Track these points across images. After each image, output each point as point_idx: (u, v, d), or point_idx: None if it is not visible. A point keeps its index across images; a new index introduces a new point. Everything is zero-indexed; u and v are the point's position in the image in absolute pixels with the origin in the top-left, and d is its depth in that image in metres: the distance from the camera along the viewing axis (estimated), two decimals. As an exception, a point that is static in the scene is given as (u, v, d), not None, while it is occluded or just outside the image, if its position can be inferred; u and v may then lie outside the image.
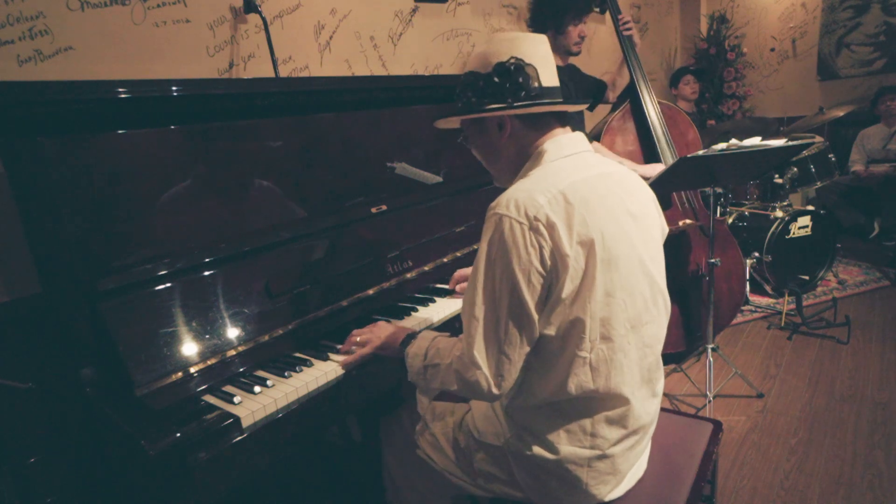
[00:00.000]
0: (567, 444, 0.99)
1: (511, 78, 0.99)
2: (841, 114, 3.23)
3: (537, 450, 1.00)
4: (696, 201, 2.56)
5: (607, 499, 1.05)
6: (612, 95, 2.60)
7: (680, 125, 2.58)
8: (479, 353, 0.93)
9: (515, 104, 1.00)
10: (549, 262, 0.89)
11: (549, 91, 1.02)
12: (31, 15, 1.31)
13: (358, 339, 1.22)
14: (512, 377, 0.95)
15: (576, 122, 2.40)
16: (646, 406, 1.04)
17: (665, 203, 2.47)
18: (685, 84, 3.86)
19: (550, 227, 0.88)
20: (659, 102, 2.48)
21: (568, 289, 0.90)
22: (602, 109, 2.65)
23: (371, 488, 1.41)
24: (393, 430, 1.34)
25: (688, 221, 2.47)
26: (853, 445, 1.94)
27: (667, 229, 1.11)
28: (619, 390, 0.97)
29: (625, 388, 0.98)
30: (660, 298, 1.03)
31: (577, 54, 2.35)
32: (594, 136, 2.49)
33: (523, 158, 1.03)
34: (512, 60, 0.99)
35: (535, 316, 0.91)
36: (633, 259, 0.96)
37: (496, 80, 1.00)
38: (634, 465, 1.09)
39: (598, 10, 2.44)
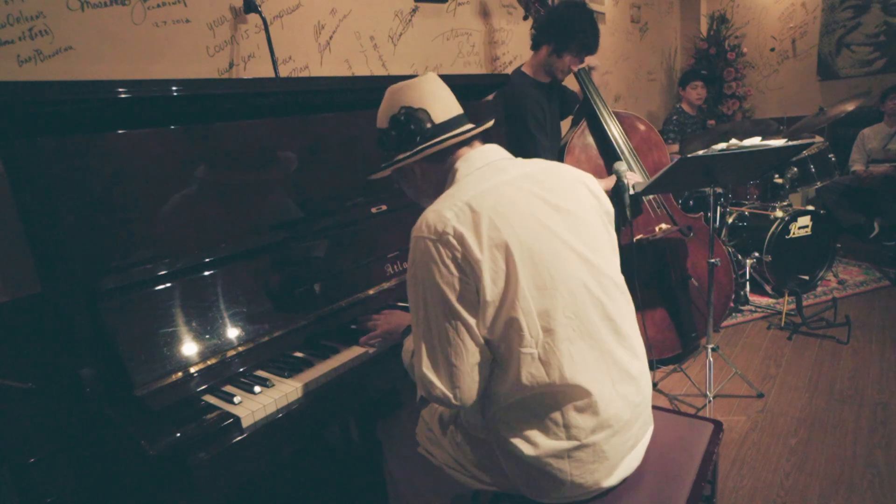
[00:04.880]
0: (544, 438, 1.00)
1: (404, 128, 1.07)
2: (851, 108, 3.20)
3: (517, 446, 1.01)
4: (667, 205, 2.55)
5: (604, 485, 1.05)
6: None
7: (640, 131, 2.58)
8: (429, 370, 0.99)
9: (412, 151, 1.07)
10: (465, 270, 0.93)
11: (444, 126, 1.08)
12: (31, 15, 1.31)
13: (369, 324, 1.32)
14: (469, 386, 0.98)
15: (553, 136, 2.40)
16: (621, 389, 1.03)
17: (636, 210, 2.47)
18: (692, 88, 3.86)
19: (459, 237, 0.92)
20: (615, 113, 2.49)
21: (492, 291, 0.93)
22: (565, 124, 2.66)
23: (371, 488, 1.41)
24: (392, 431, 1.35)
25: (664, 226, 2.46)
26: (853, 445, 1.94)
27: (611, 210, 1.12)
28: (576, 380, 0.97)
29: (581, 377, 0.97)
30: (606, 280, 1.04)
31: (559, 81, 2.35)
32: (557, 158, 2.49)
33: (441, 190, 1.08)
34: (402, 111, 1.07)
35: (472, 321, 0.95)
36: (562, 250, 0.98)
37: (393, 133, 1.09)
38: (629, 454, 1.09)
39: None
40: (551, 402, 0.99)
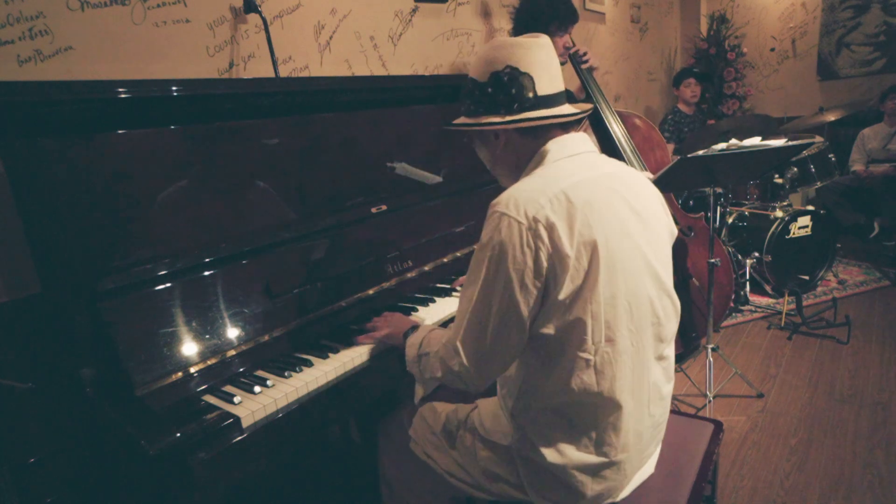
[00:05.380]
0: (574, 451, 0.98)
1: (505, 89, 0.98)
2: (842, 114, 3.24)
3: (544, 455, 0.98)
4: (670, 204, 2.55)
5: (617, 499, 1.04)
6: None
7: (642, 130, 2.59)
8: (463, 344, 0.96)
9: (507, 118, 0.99)
10: (545, 265, 0.88)
11: (546, 99, 1.00)
12: (31, 15, 1.31)
13: (370, 325, 1.30)
14: (493, 372, 0.97)
15: None
16: (652, 409, 1.03)
17: None
18: (686, 86, 3.86)
19: (550, 227, 0.87)
20: (618, 113, 2.50)
21: (567, 290, 0.89)
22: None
23: (371, 488, 1.41)
24: (390, 433, 1.33)
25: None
26: (853, 445, 1.94)
27: (675, 231, 1.09)
28: (623, 394, 0.95)
29: (625, 394, 0.96)
30: (667, 299, 1.02)
31: (562, 65, 2.35)
32: None
33: (522, 165, 1.03)
34: (507, 70, 0.98)
35: (526, 317, 0.91)
36: (639, 260, 0.95)
37: (490, 90, 1.00)
38: (643, 468, 1.09)
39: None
40: (591, 413, 0.97)
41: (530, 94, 0.98)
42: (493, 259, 0.91)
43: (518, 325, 0.92)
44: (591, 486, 0.99)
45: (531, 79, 0.98)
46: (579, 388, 0.93)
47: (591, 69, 2.47)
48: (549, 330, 0.92)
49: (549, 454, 0.98)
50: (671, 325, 1.04)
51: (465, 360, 0.96)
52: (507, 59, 0.98)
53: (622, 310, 0.93)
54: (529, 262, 0.88)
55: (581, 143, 1.03)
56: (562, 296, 0.89)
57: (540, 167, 0.99)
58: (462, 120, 1.06)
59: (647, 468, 1.11)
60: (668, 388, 1.07)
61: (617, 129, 2.46)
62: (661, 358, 1.04)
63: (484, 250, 0.93)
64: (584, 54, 2.42)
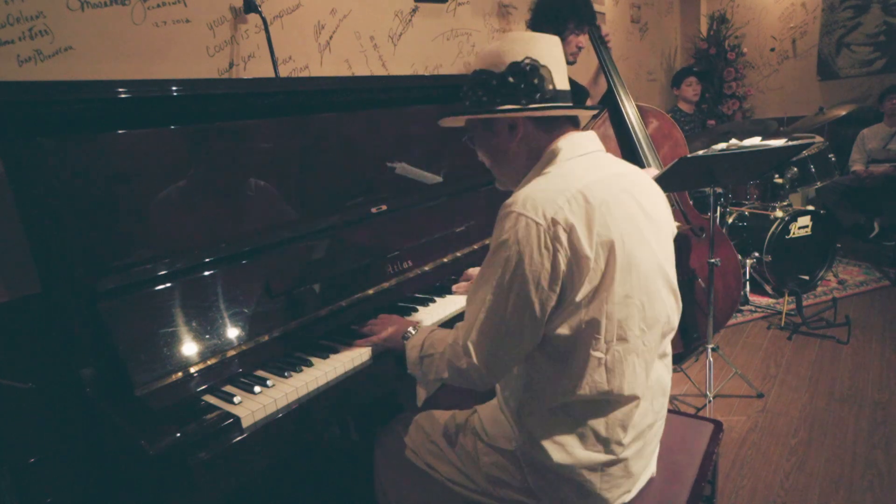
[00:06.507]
0: (581, 449, 0.97)
1: (526, 79, 0.97)
2: (842, 113, 3.24)
3: (551, 455, 0.97)
4: (683, 203, 2.55)
5: (626, 500, 1.04)
6: (589, 103, 2.64)
7: (662, 127, 2.58)
8: (473, 344, 0.95)
9: (530, 106, 0.97)
10: (563, 269, 0.87)
11: (562, 94, 1.00)
12: (31, 15, 1.31)
13: (367, 328, 1.29)
14: (502, 372, 0.98)
15: None
16: (655, 405, 1.03)
17: None
18: (687, 85, 3.86)
19: (569, 229, 0.86)
20: (638, 106, 2.49)
21: (585, 291, 0.88)
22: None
23: (371, 489, 1.41)
24: (385, 443, 1.30)
25: (677, 224, 2.46)
26: (853, 445, 1.94)
27: (675, 229, 1.10)
28: (633, 391, 0.95)
29: (637, 389, 0.96)
30: (672, 298, 1.02)
31: (572, 64, 2.35)
32: None
33: (533, 161, 1.01)
34: (527, 61, 0.97)
35: (540, 319, 0.90)
36: (651, 260, 0.95)
37: (510, 80, 0.97)
38: (646, 468, 1.08)
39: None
40: (600, 411, 0.96)
41: (550, 87, 0.98)
42: (508, 261, 0.89)
43: (532, 327, 0.91)
44: (599, 486, 0.99)
45: (549, 71, 0.98)
46: (591, 387, 0.93)
47: (608, 50, 2.48)
48: (564, 330, 0.91)
49: (557, 454, 0.97)
50: (675, 322, 1.04)
51: (475, 360, 0.95)
52: (526, 52, 0.97)
53: (635, 309, 0.92)
54: (547, 265, 0.87)
55: (590, 141, 1.02)
56: (579, 297, 0.88)
57: (552, 166, 0.97)
58: (470, 115, 1.04)
59: (651, 467, 1.11)
60: (669, 383, 1.08)
61: (632, 114, 2.44)
62: (663, 354, 1.05)
63: (499, 251, 0.91)
64: (606, 35, 2.45)
